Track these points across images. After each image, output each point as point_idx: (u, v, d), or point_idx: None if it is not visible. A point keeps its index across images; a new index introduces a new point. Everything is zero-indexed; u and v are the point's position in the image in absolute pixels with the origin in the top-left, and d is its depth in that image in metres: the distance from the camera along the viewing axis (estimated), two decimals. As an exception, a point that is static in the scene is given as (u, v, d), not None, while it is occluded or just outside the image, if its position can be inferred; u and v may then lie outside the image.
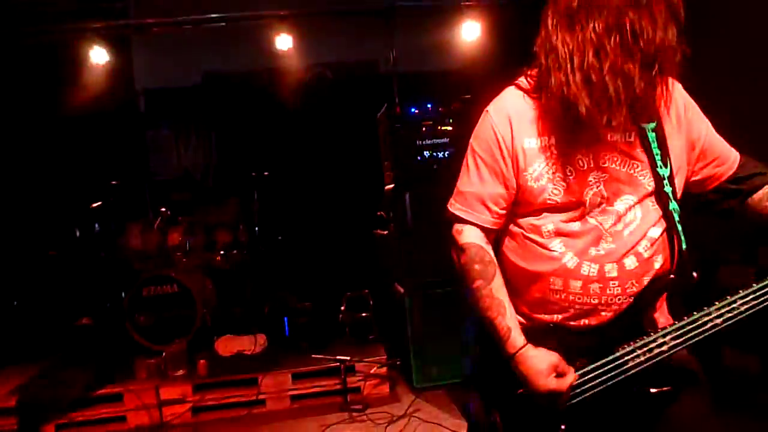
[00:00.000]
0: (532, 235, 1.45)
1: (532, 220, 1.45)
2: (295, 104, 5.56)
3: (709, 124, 1.50)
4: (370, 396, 3.76)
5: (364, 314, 4.44)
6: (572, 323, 1.42)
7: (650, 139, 1.40)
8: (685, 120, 1.45)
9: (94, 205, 4.66)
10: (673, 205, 1.41)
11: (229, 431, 3.53)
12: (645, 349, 1.36)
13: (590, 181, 1.39)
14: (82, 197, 4.77)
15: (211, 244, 4.84)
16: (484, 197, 1.48)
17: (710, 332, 1.33)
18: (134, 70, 5.85)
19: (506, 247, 1.53)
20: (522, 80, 1.46)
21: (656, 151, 1.40)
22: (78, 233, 4.83)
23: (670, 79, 1.37)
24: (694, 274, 1.39)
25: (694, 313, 1.35)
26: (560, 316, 1.43)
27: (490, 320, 1.44)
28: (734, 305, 1.33)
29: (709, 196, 1.54)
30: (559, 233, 1.41)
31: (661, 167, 1.40)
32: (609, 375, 1.38)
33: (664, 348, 1.35)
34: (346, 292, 4.55)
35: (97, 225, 4.82)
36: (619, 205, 1.39)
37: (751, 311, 1.33)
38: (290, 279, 5.01)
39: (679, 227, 1.40)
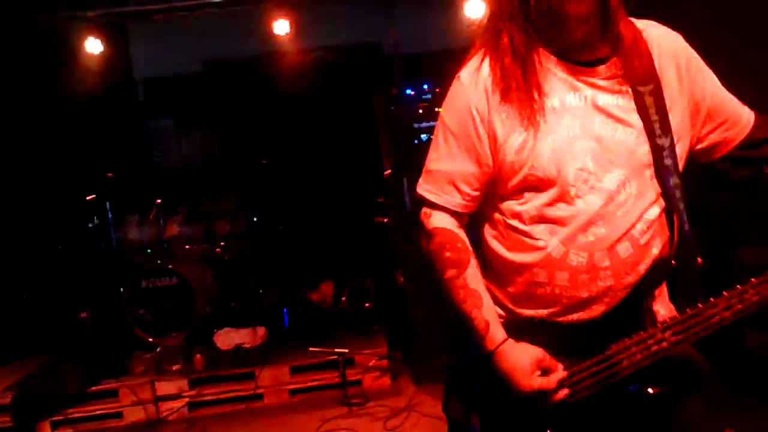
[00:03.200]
0: (513, 222, 1.28)
1: (512, 204, 1.28)
2: (296, 89, 5.42)
3: (716, 80, 1.29)
4: (370, 389, 3.64)
5: (366, 304, 4.32)
6: (560, 319, 1.26)
7: (647, 104, 1.21)
8: (687, 78, 1.26)
9: (89, 197, 4.58)
10: (674, 180, 1.22)
11: (226, 426, 3.44)
12: (642, 346, 1.19)
13: (576, 151, 1.21)
14: (83, 189, 4.71)
15: (210, 234, 4.74)
16: (454, 177, 1.32)
17: (717, 327, 1.16)
18: (133, 59, 5.74)
19: (487, 235, 1.36)
20: None
21: (654, 117, 1.21)
22: (79, 226, 4.77)
23: (664, 29, 1.22)
24: (699, 259, 1.23)
25: (699, 305, 1.18)
26: (546, 311, 1.27)
27: (465, 314, 1.29)
28: (745, 296, 1.16)
29: (718, 165, 1.34)
30: (542, 219, 1.24)
31: (660, 136, 1.21)
32: (601, 375, 1.22)
33: (664, 345, 1.18)
34: (348, 282, 4.43)
35: (95, 218, 4.75)
36: (610, 180, 1.20)
37: (765, 302, 1.16)
38: (291, 269, 4.90)
39: (681, 206, 1.23)
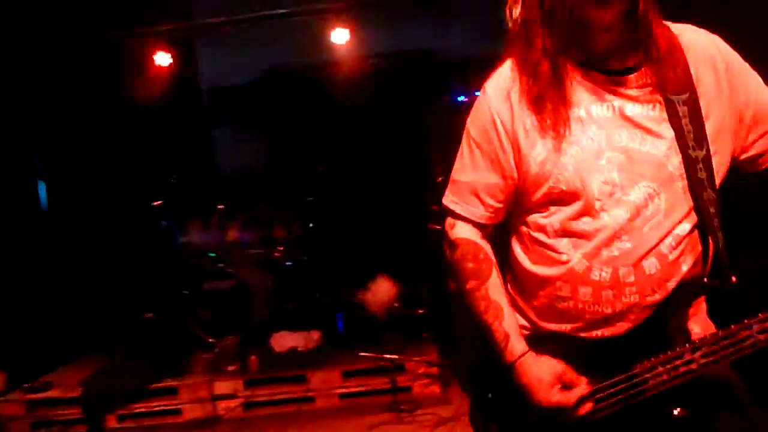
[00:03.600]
0: (537, 235, 1.27)
1: (537, 217, 1.26)
2: (353, 97, 5.49)
3: (761, 81, 1.22)
4: (420, 396, 3.63)
5: (419, 310, 4.32)
6: (584, 334, 1.24)
7: (680, 114, 1.16)
8: (727, 84, 1.19)
9: (156, 203, 4.80)
10: (709, 195, 1.16)
11: (279, 427, 3.52)
12: (669, 366, 1.15)
13: (601, 164, 1.17)
14: (151, 194, 4.94)
15: (268, 239, 4.87)
16: (478, 188, 1.31)
17: (751, 350, 1.10)
18: (199, 70, 5.98)
19: (514, 247, 1.35)
20: None
21: (688, 128, 1.15)
22: (145, 230, 5.00)
23: (701, 33, 1.18)
24: (733, 278, 1.17)
25: (732, 326, 1.13)
26: (569, 326, 1.25)
27: (486, 325, 1.28)
28: (782, 318, 1.10)
29: (765, 175, 1.26)
30: (566, 232, 1.21)
31: (694, 148, 1.15)
32: (625, 394, 1.18)
33: (693, 366, 1.14)
34: (402, 288, 4.44)
35: (164, 222, 4.97)
36: (637, 193, 1.16)
37: None
38: (348, 274, 4.96)
39: (716, 222, 1.17)
